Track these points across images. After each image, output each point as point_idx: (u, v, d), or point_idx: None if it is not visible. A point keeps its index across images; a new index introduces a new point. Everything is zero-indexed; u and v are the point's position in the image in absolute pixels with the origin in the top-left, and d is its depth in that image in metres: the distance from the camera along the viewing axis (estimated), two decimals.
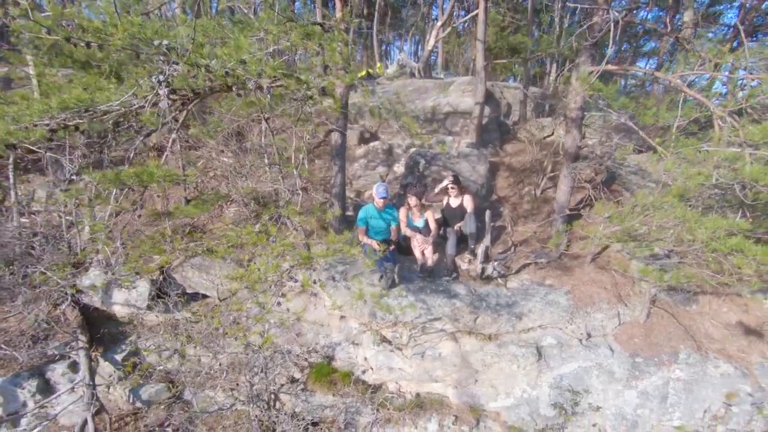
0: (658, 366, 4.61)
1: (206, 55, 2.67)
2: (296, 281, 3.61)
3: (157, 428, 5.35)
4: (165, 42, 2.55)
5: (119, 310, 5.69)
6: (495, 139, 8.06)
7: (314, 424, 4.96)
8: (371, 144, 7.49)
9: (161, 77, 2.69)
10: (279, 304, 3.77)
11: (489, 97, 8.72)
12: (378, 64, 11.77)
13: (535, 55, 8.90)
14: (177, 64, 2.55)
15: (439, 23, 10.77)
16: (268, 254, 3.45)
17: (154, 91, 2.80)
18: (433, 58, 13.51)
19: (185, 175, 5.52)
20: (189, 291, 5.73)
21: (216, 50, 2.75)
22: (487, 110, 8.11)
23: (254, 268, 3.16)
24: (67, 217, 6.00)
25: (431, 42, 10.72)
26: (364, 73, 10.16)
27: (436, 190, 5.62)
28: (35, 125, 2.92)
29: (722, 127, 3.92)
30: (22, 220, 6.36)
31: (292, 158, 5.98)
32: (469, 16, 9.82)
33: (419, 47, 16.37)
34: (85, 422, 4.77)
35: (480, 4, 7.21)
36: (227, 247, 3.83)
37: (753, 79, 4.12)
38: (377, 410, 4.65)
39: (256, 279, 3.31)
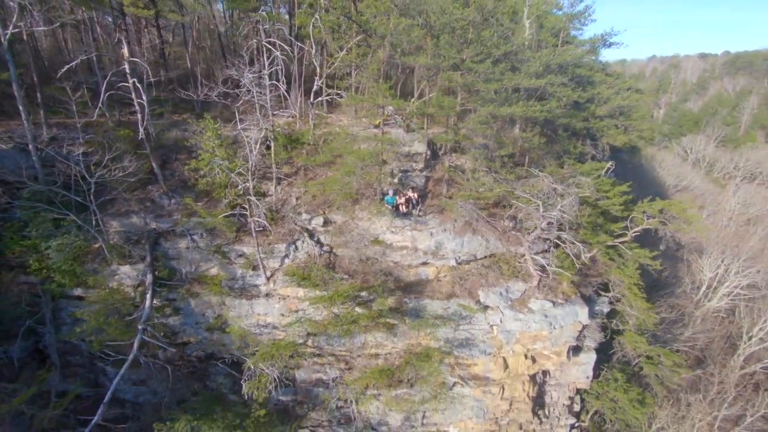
0: (460, 235, 18.21)
1: None
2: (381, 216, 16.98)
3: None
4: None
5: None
6: (432, 164, 20.93)
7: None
8: (386, 167, 20.32)
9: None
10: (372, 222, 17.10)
11: (431, 143, 21.39)
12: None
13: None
14: None
15: (413, 101, 22.92)
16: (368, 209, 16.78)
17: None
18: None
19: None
20: (332, 219, 18.91)
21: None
22: (428, 153, 20.86)
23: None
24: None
25: (409, 109, 22.99)
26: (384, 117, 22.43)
27: (408, 193, 18.76)
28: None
29: (470, 178, 17.14)
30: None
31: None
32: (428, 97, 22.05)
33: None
34: (314, 256, 18.12)
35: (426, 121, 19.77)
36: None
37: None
38: (392, 249, 18.21)
39: (371, 214, 16.57)
